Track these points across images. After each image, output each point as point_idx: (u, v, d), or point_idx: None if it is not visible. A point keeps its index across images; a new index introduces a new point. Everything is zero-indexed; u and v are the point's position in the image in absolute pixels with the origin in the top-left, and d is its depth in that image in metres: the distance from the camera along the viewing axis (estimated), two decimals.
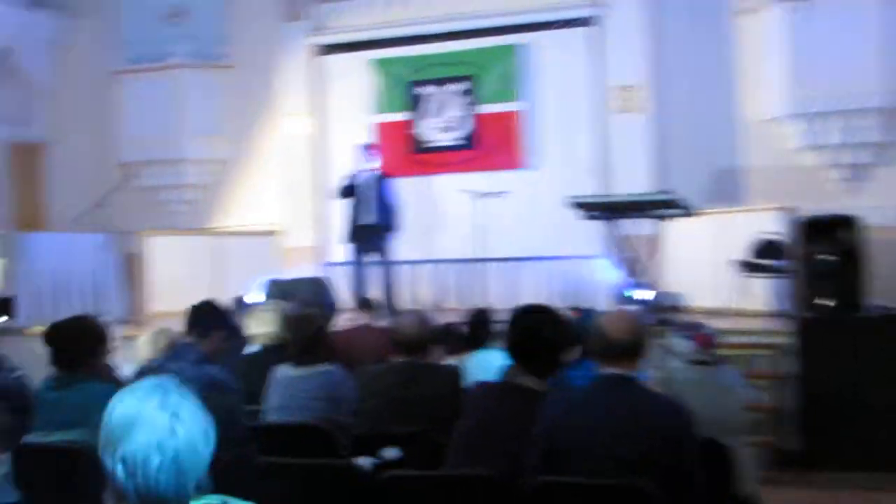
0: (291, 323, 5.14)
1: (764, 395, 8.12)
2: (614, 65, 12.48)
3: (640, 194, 9.36)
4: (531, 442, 3.56)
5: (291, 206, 13.81)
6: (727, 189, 12.09)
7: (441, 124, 13.20)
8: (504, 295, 12.78)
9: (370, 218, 11.20)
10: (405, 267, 13.17)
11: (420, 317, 4.80)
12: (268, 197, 14.18)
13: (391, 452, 4.03)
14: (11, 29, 14.31)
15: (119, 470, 2.23)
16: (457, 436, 3.91)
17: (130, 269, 13.12)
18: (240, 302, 12.35)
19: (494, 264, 12.91)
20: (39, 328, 10.78)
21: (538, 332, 3.90)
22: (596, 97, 12.65)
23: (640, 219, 9.50)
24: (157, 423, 2.26)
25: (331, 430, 4.57)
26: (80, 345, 4.18)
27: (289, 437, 4.64)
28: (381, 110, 13.46)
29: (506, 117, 12.91)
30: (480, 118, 13.02)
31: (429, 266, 13.26)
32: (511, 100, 12.90)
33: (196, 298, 8.89)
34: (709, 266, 10.98)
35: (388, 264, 11.31)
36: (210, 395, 4.27)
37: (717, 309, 10.69)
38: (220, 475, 4.07)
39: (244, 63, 14.44)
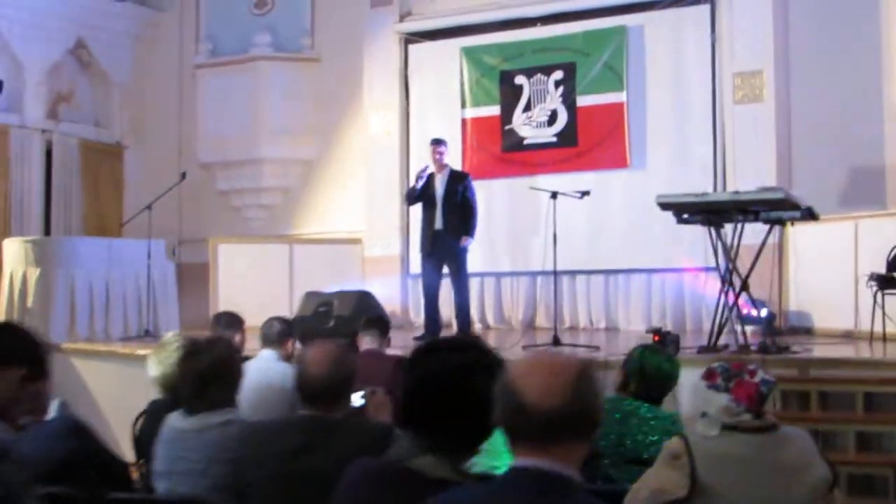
0: (183, 355, 3.78)
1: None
2: (734, 47, 10.76)
3: (743, 193, 7.67)
4: None
5: (375, 211, 12.46)
6: (867, 190, 10.24)
7: (536, 119, 11.70)
8: (602, 312, 11.32)
9: (441, 223, 9.79)
10: (490, 280, 11.80)
11: (333, 351, 3.33)
12: (351, 201, 12.93)
13: None
14: (90, 20, 13.47)
15: None
16: None
17: (195, 280, 12.13)
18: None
19: (592, 277, 11.38)
20: (72, 345, 9.82)
21: (456, 383, 2.42)
22: (713, 85, 10.93)
23: (749, 223, 7.81)
24: None
25: None
26: None
27: None
28: (471, 104, 12.04)
29: (610, 109, 11.31)
30: (581, 111, 11.46)
31: (517, 279, 11.78)
32: (617, 90, 11.29)
33: (267, 314, 7.78)
34: (842, 281, 9.19)
35: (462, 277, 9.86)
36: None
37: (849, 332, 8.96)
38: None
39: (330, 55, 13.28)
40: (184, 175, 10.60)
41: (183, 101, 14.06)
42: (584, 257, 11.33)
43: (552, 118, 11.59)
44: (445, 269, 9.89)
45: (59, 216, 13.04)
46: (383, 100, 12.54)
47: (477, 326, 11.88)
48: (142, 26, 14.21)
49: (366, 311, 8.01)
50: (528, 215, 11.65)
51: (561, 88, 11.55)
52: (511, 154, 11.78)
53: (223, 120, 13.37)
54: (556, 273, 8.74)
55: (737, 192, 7.58)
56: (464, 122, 12.02)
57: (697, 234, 9.15)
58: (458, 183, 9.88)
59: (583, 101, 11.43)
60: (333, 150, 13.28)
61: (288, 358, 5.61)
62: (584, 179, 11.25)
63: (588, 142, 11.39)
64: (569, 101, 11.49)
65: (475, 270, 11.79)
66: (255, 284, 11.60)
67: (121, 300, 10.51)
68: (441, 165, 9.95)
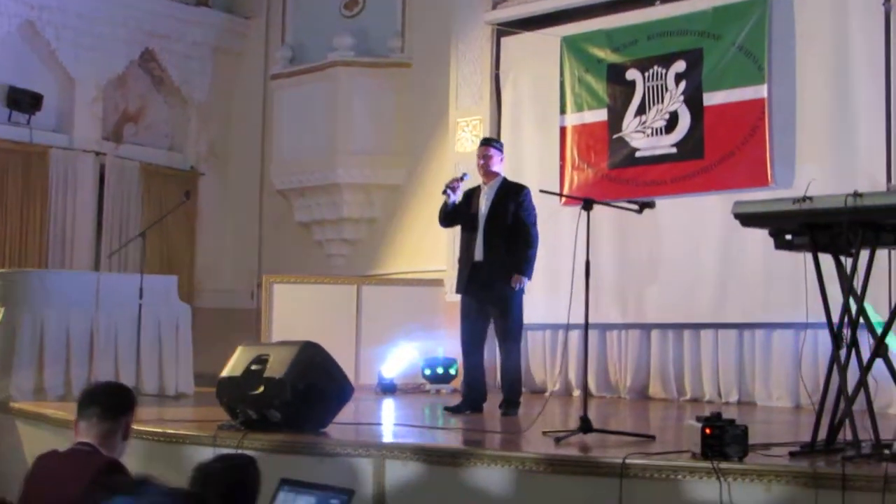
0: None
1: None
2: None
3: (869, 195, 4.70)
4: None
5: (458, 246, 9.91)
6: None
7: (651, 124, 8.97)
8: (733, 380, 8.46)
9: (481, 253, 7.24)
10: (593, 334, 9.03)
11: None
12: (441, 235, 10.47)
13: None
14: (160, 28, 11.72)
15: None
16: None
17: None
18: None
19: (721, 332, 8.53)
20: (17, 404, 7.81)
21: None
22: (887, 71, 7.89)
23: (884, 247, 4.93)
24: None
25: None
26: None
27: None
28: (572, 108, 9.45)
29: (747, 108, 8.44)
30: (709, 112, 8.65)
31: (626, 333, 9.05)
32: (756, 82, 8.41)
33: None
34: None
35: (511, 329, 7.23)
36: None
37: None
38: None
39: (422, 59, 10.99)
40: (187, 194, 8.49)
41: (265, 120, 12.10)
42: (710, 306, 8.54)
43: (671, 122, 8.83)
44: None
45: (111, 249, 11.22)
46: (471, 107, 10.12)
47: (576, 394, 9.19)
48: (222, 35, 12.33)
49: (307, 373, 5.55)
50: (643, 251, 8.95)
51: (683, 84, 8.79)
52: (620, 171, 9.08)
53: (300, 139, 11.32)
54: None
55: (857, 195, 4.63)
56: (563, 131, 9.44)
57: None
58: (510, 198, 7.28)
59: (711, 98, 8.62)
60: (423, 172, 10.91)
61: None
62: (712, 202, 8.51)
63: (717, 152, 8.56)
64: (693, 99, 8.71)
65: (574, 321, 9.14)
66: (314, 333, 9.33)
67: (111, 350, 8.45)
68: (489, 173, 7.40)
